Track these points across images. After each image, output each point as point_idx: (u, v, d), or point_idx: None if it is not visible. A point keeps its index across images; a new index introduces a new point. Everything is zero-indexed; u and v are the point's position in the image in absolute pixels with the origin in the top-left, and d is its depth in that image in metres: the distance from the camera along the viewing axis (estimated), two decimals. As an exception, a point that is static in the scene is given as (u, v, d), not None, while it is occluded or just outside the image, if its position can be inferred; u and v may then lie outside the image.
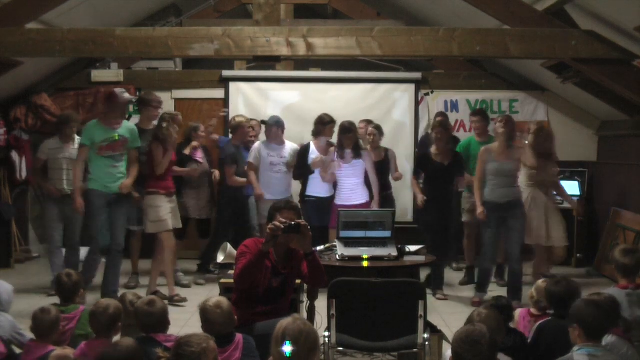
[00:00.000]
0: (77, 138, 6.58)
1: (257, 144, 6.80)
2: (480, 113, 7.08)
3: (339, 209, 5.10)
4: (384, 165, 6.73)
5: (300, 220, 3.85)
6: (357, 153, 6.40)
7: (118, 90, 6.06)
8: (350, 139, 6.36)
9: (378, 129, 6.84)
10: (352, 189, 6.40)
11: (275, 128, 6.67)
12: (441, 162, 6.32)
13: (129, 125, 6.15)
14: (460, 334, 2.75)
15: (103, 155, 5.89)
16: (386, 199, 6.67)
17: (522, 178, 6.15)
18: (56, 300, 4.15)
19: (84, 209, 5.94)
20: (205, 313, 3.37)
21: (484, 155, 6.11)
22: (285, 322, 2.71)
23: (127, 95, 6.08)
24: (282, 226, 3.74)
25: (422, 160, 6.62)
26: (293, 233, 3.78)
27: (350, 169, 6.40)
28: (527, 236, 6.08)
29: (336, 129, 6.54)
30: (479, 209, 6.03)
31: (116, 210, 6.01)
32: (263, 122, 7.02)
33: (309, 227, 3.83)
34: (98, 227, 5.93)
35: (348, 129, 6.37)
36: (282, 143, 6.74)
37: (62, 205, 6.41)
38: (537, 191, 6.09)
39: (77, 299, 4.13)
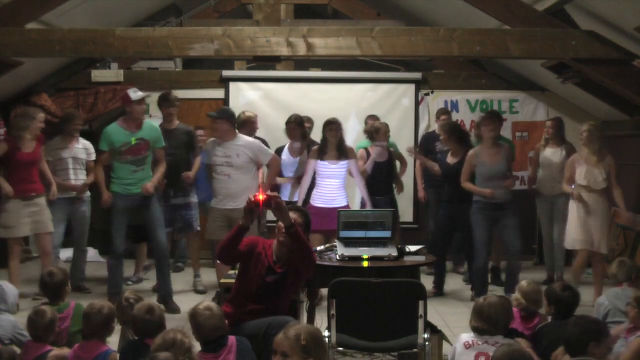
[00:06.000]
0: (80, 138, 6.57)
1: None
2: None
3: (339, 210, 5.09)
4: (390, 166, 6.65)
5: (272, 194, 3.88)
6: (342, 152, 6.07)
7: (131, 90, 5.82)
8: (332, 131, 6.03)
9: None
10: (337, 189, 6.09)
11: (219, 121, 5.83)
12: (449, 163, 6.33)
13: (150, 125, 5.94)
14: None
15: (123, 161, 5.74)
16: (389, 201, 6.58)
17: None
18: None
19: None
20: (195, 317, 3.33)
21: (473, 158, 6.08)
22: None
23: (140, 94, 5.77)
24: (254, 199, 3.79)
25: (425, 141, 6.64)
26: (265, 207, 3.83)
27: (335, 169, 6.09)
28: (569, 240, 6.01)
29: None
30: (488, 190, 5.93)
31: (148, 214, 5.85)
32: (209, 115, 6.17)
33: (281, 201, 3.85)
34: (118, 231, 5.79)
35: (329, 121, 6.11)
36: (229, 139, 5.85)
37: (70, 206, 6.40)
38: (592, 194, 5.92)
39: (65, 296, 4.13)
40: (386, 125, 6.75)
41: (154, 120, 6.46)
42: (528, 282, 4.24)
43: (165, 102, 6.49)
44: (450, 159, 6.36)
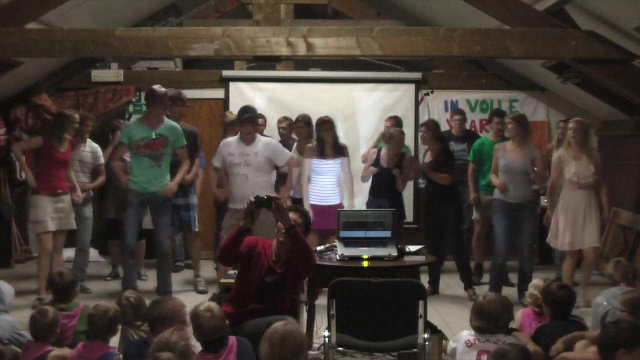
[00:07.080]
0: (89, 141, 6.60)
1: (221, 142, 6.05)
2: (502, 114, 7.12)
3: (339, 210, 5.08)
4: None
5: (271, 193, 3.90)
6: (337, 150, 6.16)
7: (156, 86, 5.91)
8: (328, 130, 6.10)
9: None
10: (331, 186, 6.16)
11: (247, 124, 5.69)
12: (426, 161, 6.40)
13: (170, 124, 5.95)
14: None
15: (141, 154, 5.81)
16: (391, 202, 6.59)
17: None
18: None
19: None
20: (196, 318, 3.31)
21: (497, 151, 6.20)
22: (278, 323, 2.86)
23: (163, 89, 5.88)
24: (254, 200, 3.78)
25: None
26: (265, 207, 3.81)
27: (331, 166, 6.16)
28: (554, 240, 6.01)
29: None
30: (501, 181, 6.02)
31: (157, 212, 5.94)
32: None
33: (281, 201, 3.84)
34: (130, 227, 5.87)
35: (325, 120, 6.15)
36: (251, 140, 5.73)
37: (74, 206, 6.41)
38: (572, 192, 5.90)
39: (74, 297, 4.13)
40: (400, 132, 6.65)
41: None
42: (541, 279, 4.26)
43: (179, 101, 6.49)
44: (427, 157, 6.41)
